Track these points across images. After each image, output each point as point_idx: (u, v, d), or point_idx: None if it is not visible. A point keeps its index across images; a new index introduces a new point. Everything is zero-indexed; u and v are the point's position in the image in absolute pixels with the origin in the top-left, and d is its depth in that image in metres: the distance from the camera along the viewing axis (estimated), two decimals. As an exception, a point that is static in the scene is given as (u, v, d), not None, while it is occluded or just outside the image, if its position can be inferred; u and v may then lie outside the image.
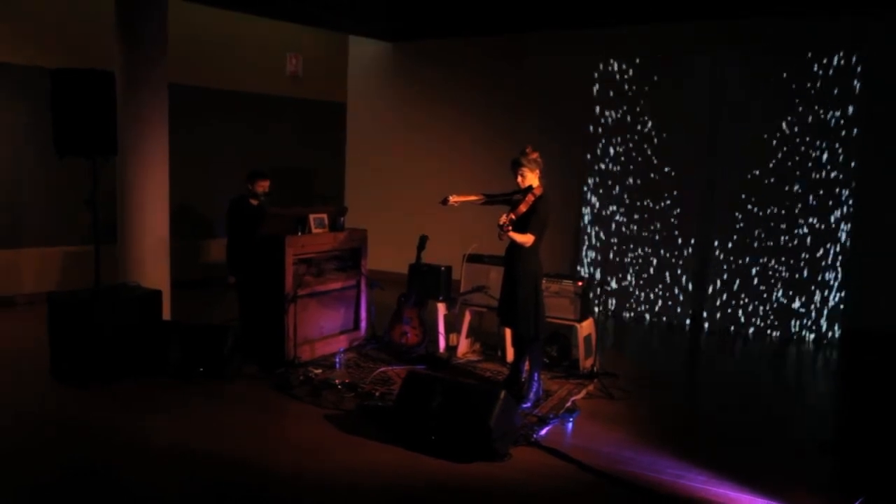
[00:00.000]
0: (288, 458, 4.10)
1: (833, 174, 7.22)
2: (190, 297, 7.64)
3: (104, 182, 5.77)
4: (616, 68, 8.25)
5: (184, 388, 5.21)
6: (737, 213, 7.64)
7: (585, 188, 8.43)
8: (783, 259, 7.46)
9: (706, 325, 7.77)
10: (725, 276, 7.73)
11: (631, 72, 8.16)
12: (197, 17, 8.52)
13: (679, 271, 7.97)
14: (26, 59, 7.51)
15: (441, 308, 6.24)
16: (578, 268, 8.43)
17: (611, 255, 8.34)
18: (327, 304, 6.15)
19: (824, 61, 7.22)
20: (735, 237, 7.67)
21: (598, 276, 8.33)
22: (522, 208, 4.74)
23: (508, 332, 5.83)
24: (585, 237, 8.48)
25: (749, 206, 7.58)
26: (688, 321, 7.91)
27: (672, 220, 7.99)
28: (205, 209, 9.04)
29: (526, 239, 4.68)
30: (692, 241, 7.91)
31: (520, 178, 4.85)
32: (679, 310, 7.98)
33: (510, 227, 4.61)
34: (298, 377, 5.35)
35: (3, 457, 4.07)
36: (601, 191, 8.37)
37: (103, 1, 6.65)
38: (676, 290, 7.99)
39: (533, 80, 9.08)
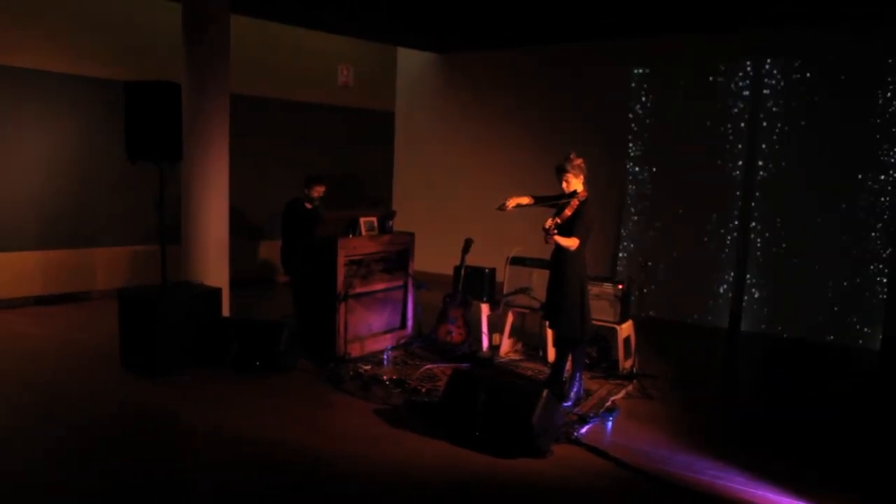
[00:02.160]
0: (341, 448, 4.14)
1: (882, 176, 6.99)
2: (246, 294, 7.79)
3: (170, 186, 5.93)
4: (655, 76, 8.14)
5: (242, 381, 5.31)
6: (778, 218, 7.45)
7: (625, 192, 8.32)
8: (825, 263, 7.24)
9: (745, 326, 7.59)
10: (765, 279, 7.55)
11: (671, 79, 8.04)
12: (256, 31, 8.69)
13: (719, 273, 7.81)
14: (103, 73, 7.77)
15: (485, 308, 6.23)
16: (620, 270, 8.33)
17: (650, 258, 8.21)
18: (376, 304, 6.20)
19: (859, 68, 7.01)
20: (775, 240, 7.49)
21: (636, 278, 8.20)
22: (567, 213, 4.70)
23: (550, 332, 5.80)
24: (624, 240, 8.38)
25: (790, 210, 7.38)
26: (727, 323, 7.74)
27: (711, 222, 7.84)
28: (260, 212, 9.20)
29: (571, 243, 4.64)
30: (730, 242, 7.74)
31: (564, 184, 4.82)
32: (718, 312, 7.81)
33: (556, 231, 4.58)
34: (349, 372, 5.41)
35: (79, 442, 4.19)
36: (635, 187, 8.25)
37: (171, 19, 6.84)
38: (715, 292, 7.84)
39: (574, 89, 9.02)
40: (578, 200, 4.73)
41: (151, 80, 5.64)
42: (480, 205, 9.73)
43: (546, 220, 4.61)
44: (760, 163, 7.55)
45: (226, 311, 6.36)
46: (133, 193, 7.94)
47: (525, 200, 4.97)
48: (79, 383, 5.17)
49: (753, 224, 7.61)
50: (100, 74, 7.75)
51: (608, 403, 5.02)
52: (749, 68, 7.57)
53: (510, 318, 6.13)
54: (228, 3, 6.41)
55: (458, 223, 9.51)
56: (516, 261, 6.11)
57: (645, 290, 8.14)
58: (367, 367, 5.57)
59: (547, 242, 4.65)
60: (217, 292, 5.85)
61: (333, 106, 10.07)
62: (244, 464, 3.94)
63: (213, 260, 6.41)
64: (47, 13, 7.38)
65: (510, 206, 4.94)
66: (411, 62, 10.63)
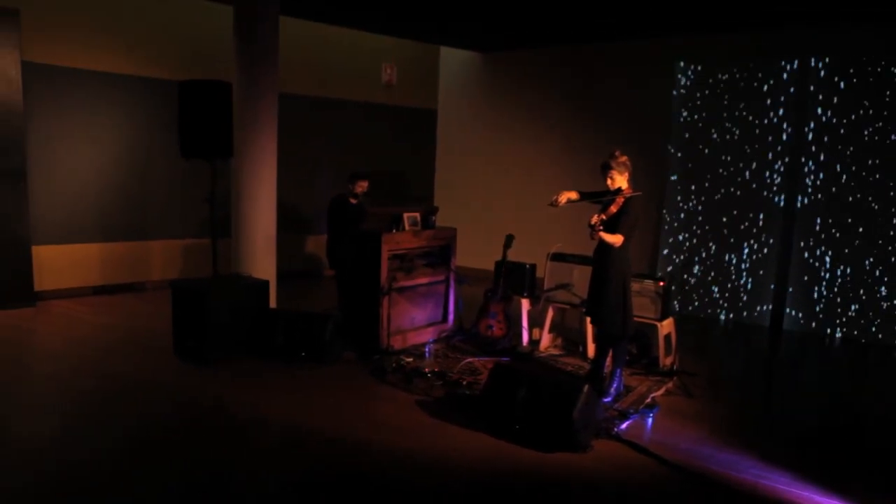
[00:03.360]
0: (384, 438, 4.15)
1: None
2: (291, 287, 7.88)
3: (221, 182, 6.02)
4: (699, 74, 7.95)
5: (288, 370, 5.37)
6: (818, 217, 7.22)
7: (666, 188, 8.16)
8: (871, 261, 6.99)
9: (787, 325, 7.38)
10: (807, 277, 7.32)
11: (714, 76, 7.84)
12: (303, 32, 8.77)
13: (761, 271, 7.61)
14: (158, 73, 7.93)
15: (525, 304, 6.18)
16: (668, 269, 8.18)
17: (691, 255, 8.05)
18: (418, 297, 6.20)
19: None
20: (819, 238, 7.26)
21: (677, 275, 8.06)
22: (613, 209, 4.62)
23: (590, 328, 5.73)
24: (665, 237, 8.22)
25: (835, 207, 7.14)
26: (769, 321, 7.54)
27: (754, 218, 7.64)
28: (307, 207, 9.30)
29: (616, 239, 4.56)
30: (772, 241, 7.53)
31: (609, 181, 4.74)
32: (760, 309, 7.62)
33: (601, 228, 4.51)
34: (391, 364, 5.42)
35: (130, 425, 4.29)
36: (676, 183, 8.09)
37: (223, 20, 6.94)
38: (757, 290, 7.64)
39: (615, 87, 8.88)
40: (624, 197, 4.65)
41: (204, 80, 5.73)
42: (521, 201, 9.68)
43: (591, 217, 4.54)
44: (804, 159, 7.31)
45: (273, 303, 6.44)
46: (186, 189, 8.11)
47: (574, 196, 4.90)
48: (135, 369, 5.29)
49: (796, 222, 7.38)
50: (155, 75, 7.92)
51: (648, 400, 4.93)
52: (795, 66, 7.34)
53: (550, 314, 6.07)
54: (278, 5, 6.48)
55: (499, 219, 9.48)
56: (557, 257, 6.05)
57: (686, 287, 8.02)
58: (410, 360, 5.58)
59: (592, 238, 4.58)
60: (265, 284, 5.92)
61: (377, 104, 10.11)
62: (288, 451, 3.99)
63: (261, 253, 6.49)
64: (108, 19, 7.57)
65: (562, 202, 4.85)
66: (453, 61, 10.61)
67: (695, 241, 8.02)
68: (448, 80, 10.75)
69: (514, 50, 9.82)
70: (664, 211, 8.19)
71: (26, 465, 3.69)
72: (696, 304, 8.00)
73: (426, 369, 5.31)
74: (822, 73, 7.16)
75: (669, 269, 8.13)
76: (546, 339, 6.13)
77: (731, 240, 7.78)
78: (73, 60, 7.38)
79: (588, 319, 5.57)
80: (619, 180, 4.73)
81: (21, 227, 6.99)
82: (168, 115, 7.48)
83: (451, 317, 6.54)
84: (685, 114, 8.06)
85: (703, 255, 7.96)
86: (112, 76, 7.66)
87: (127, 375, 5.14)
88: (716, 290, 7.88)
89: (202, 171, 6.49)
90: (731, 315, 7.78)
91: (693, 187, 8.03)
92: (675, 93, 8.11)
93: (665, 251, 8.22)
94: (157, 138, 7.97)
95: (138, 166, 7.97)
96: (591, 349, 5.79)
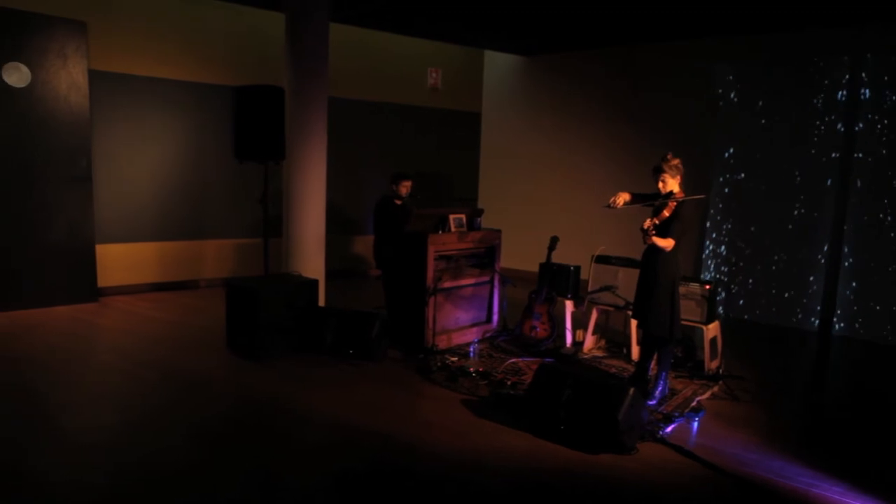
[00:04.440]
0: (429, 436, 4.16)
1: None
2: (338, 286, 7.97)
3: (273, 184, 6.14)
4: (746, 74, 7.76)
5: (337, 367, 5.43)
6: (867, 217, 6.96)
7: (712, 191, 7.99)
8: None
9: (837, 330, 7.14)
10: (855, 283, 7.07)
11: (762, 77, 7.64)
12: (352, 38, 8.87)
13: (810, 276, 7.38)
14: (213, 79, 8.13)
15: (569, 305, 6.13)
16: (715, 272, 8.01)
17: (738, 258, 7.86)
18: (463, 298, 6.21)
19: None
20: (870, 241, 7.00)
21: (723, 278, 7.87)
22: (666, 213, 4.53)
23: (634, 330, 5.64)
24: (711, 241, 8.05)
25: (888, 208, 6.88)
26: (817, 325, 7.31)
27: (803, 221, 7.42)
28: (353, 208, 9.40)
29: (667, 244, 4.48)
30: (821, 245, 7.30)
31: (661, 184, 4.65)
32: (809, 314, 7.39)
33: (654, 232, 4.44)
34: (436, 363, 5.43)
35: (186, 416, 4.40)
36: (725, 187, 7.91)
37: (275, 27, 7.07)
38: (807, 294, 7.41)
39: (662, 88, 8.73)
40: (676, 201, 4.56)
41: (258, 85, 5.86)
42: (566, 203, 9.61)
43: (644, 221, 4.46)
44: (858, 155, 7.05)
45: (322, 302, 6.53)
46: (239, 191, 8.28)
47: (628, 197, 4.82)
48: (191, 364, 5.43)
49: (846, 226, 7.14)
50: (212, 81, 8.12)
51: (693, 403, 4.83)
52: (847, 63, 7.09)
53: (594, 316, 6.00)
54: (328, 12, 6.57)
55: (543, 221, 9.42)
56: (601, 259, 5.98)
57: (733, 291, 7.83)
58: (454, 359, 5.59)
59: (645, 243, 4.50)
60: (314, 283, 6.00)
61: (422, 107, 10.16)
62: (335, 446, 4.03)
63: (310, 253, 6.59)
64: (167, 29, 7.79)
65: (619, 203, 4.75)
66: (498, 64, 10.59)
67: (741, 244, 7.83)
68: (492, 83, 10.74)
69: (557, 53, 9.75)
70: (710, 212, 8.01)
71: (93, 456, 3.81)
72: (743, 307, 7.81)
73: (471, 369, 5.30)
74: (873, 71, 6.91)
75: (712, 272, 7.95)
76: (590, 341, 6.07)
77: (779, 243, 7.57)
78: (135, 68, 7.62)
79: (633, 322, 5.50)
80: (671, 184, 4.64)
81: (86, 227, 7.25)
82: (223, 120, 7.68)
83: (495, 317, 6.53)
84: (731, 115, 7.87)
85: (751, 258, 7.76)
86: (171, 83, 7.88)
87: (184, 370, 5.27)
88: (763, 293, 7.67)
89: (255, 173, 6.65)
90: (779, 319, 7.56)
91: (740, 189, 7.84)
92: (720, 93, 7.93)
93: (710, 253, 8.04)
94: (212, 142, 8.16)
95: (195, 169, 8.18)
96: (635, 351, 5.70)
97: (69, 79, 6.99)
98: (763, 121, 7.65)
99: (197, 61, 8.04)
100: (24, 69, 6.73)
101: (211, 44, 8.11)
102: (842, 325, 7.17)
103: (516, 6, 7.19)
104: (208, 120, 8.14)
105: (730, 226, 7.91)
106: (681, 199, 4.58)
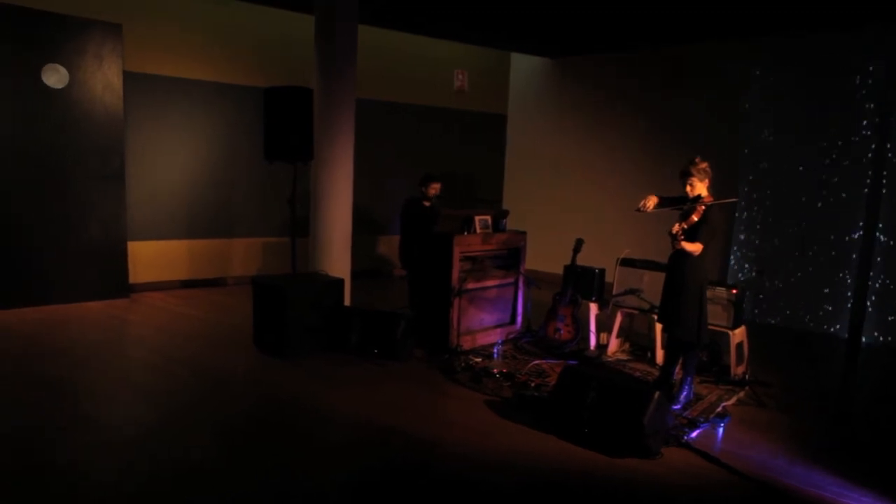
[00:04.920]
0: (452, 436, 4.18)
1: None
2: (363, 285, 8.01)
3: (301, 184, 6.19)
4: (775, 76, 7.65)
5: (362, 366, 5.47)
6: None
7: (740, 194, 7.89)
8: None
9: (866, 337, 7.01)
10: (890, 287, 6.92)
11: (792, 79, 7.53)
12: (380, 39, 8.92)
13: (840, 280, 7.25)
14: (243, 80, 8.24)
15: (593, 308, 6.10)
16: (740, 276, 7.91)
17: (766, 262, 7.75)
18: (488, 299, 6.21)
19: None
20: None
21: (751, 283, 7.77)
22: (694, 218, 4.47)
23: (659, 333, 5.60)
24: (738, 244, 7.95)
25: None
26: (846, 331, 7.18)
27: (833, 226, 7.29)
28: (378, 208, 9.45)
29: (696, 248, 4.43)
30: (851, 250, 7.16)
31: (689, 188, 4.60)
32: (838, 320, 7.26)
33: (683, 238, 4.39)
34: (460, 364, 5.45)
35: (213, 413, 4.47)
36: (752, 191, 7.80)
37: (305, 29, 7.14)
38: (836, 300, 7.28)
39: (689, 90, 8.65)
40: (704, 205, 4.51)
41: (287, 86, 5.90)
42: (591, 206, 9.56)
43: (673, 225, 4.41)
44: (886, 169, 6.91)
45: (347, 301, 6.57)
46: (267, 190, 8.38)
47: (657, 200, 4.78)
48: (219, 360, 5.51)
49: (877, 232, 6.99)
50: (242, 82, 8.22)
51: (719, 409, 4.78)
52: (881, 66, 6.96)
53: (619, 319, 5.97)
54: (356, 14, 6.61)
55: (568, 223, 9.38)
56: (626, 262, 5.94)
57: (760, 296, 7.72)
58: (478, 360, 5.59)
59: (675, 248, 4.46)
60: (340, 283, 6.04)
61: (449, 109, 10.18)
62: (359, 445, 4.06)
63: (337, 252, 6.63)
64: (199, 31, 7.92)
65: (650, 207, 4.71)
66: (524, 66, 10.57)
67: (770, 248, 7.72)
68: (518, 85, 10.72)
69: (584, 55, 9.71)
70: (737, 216, 7.91)
71: (120, 451, 3.89)
72: (770, 312, 7.70)
73: (494, 370, 5.31)
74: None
75: (740, 275, 7.85)
76: (614, 344, 6.03)
77: (809, 247, 7.45)
78: (167, 69, 7.75)
79: (658, 325, 5.46)
80: (700, 187, 4.59)
81: (119, 224, 7.39)
82: (253, 120, 7.77)
83: (519, 319, 6.52)
84: (760, 118, 7.76)
85: (779, 262, 7.65)
86: (202, 83, 8.00)
87: (212, 367, 5.35)
88: (791, 298, 7.56)
89: (284, 173, 6.70)
90: (807, 325, 7.44)
91: (768, 192, 7.73)
92: (748, 95, 7.83)
93: (738, 258, 7.94)
94: (242, 142, 8.27)
95: (224, 169, 8.29)
96: (659, 355, 5.66)
97: (104, 80, 7.14)
98: (791, 124, 7.53)
99: (227, 63, 8.16)
100: (63, 70, 6.89)
101: (241, 45, 8.22)
102: (871, 331, 7.03)
103: (543, 10, 7.17)
104: (238, 120, 8.24)
105: (758, 229, 7.79)
106: (710, 203, 4.52)
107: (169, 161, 7.90)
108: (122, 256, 7.46)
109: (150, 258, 7.88)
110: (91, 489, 3.39)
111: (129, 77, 7.35)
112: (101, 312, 6.85)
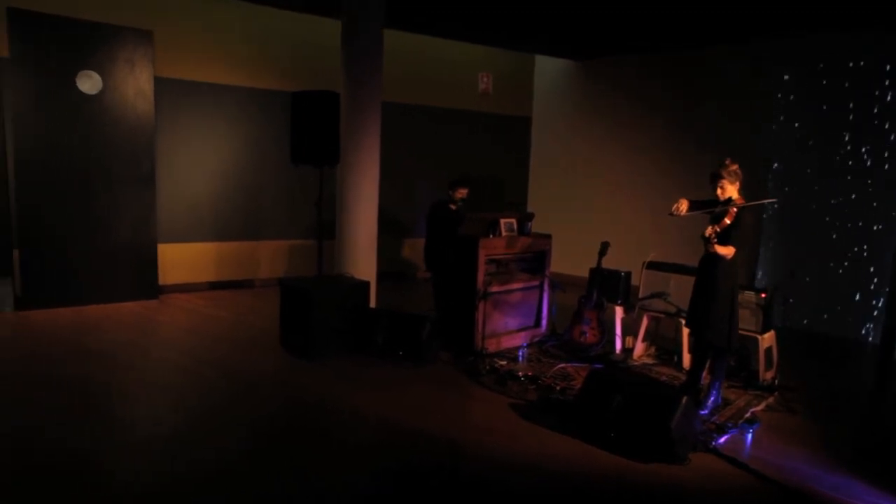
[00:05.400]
0: (477, 438, 4.18)
1: None
2: (388, 288, 8.05)
3: (327, 187, 6.25)
4: (804, 77, 7.53)
5: (387, 368, 5.50)
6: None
7: (768, 196, 7.77)
8: None
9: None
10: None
11: (821, 79, 7.40)
12: (405, 43, 8.96)
13: (872, 284, 7.11)
14: (270, 85, 8.34)
15: (619, 311, 6.06)
16: (765, 280, 7.80)
17: (794, 265, 7.62)
18: (513, 302, 6.21)
19: None
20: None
21: (780, 287, 7.65)
22: (727, 220, 4.41)
23: (686, 337, 5.54)
24: (767, 247, 7.83)
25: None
26: (878, 338, 7.02)
27: (865, 228, 7.15)
28: (403, 211, 9.49)
29: (728, 251, 4.38)
30: (883, 253, 7.01)
31: (719, 191, 4.53)
32: (871, 325, 7.11)
33: (716, 240, 4.34)
34: (485, 366, 5.45)
35: (240, 415, 4.52)
36: (783, 196, 7.68)
37: (332, 33, 7.20)
38: (868, 304, 7.13)
39: (714, 92, 8.56)
40: (737, 208, 4.45)
41: (314, 91, 5.98)
42: (617, 209, 9.50)
43: (706, 228, 4.36)
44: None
45: (373, 303, 6.61)
46: (294, 194, 8.47)
47: (688, 204, 4.71)
48: (247, 361, 5.58)
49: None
50: (269, 86, 8.32)
51: (748, 415, 4.71)
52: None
53: (645, 322, 5.92)
54: (382, 18, 6.65)
55: (594, 226, 9.33)
56: (653, 265, 5.89)
57: (791, 300, 7.60)
58: (503, 363, 5.59)
59: (709, 251, 4.41)
60: (366, 285, 6.08)
61: (473, 112, 10.19)
62: (385, 446, 4.08)
63: (363, 255, 6.67)
64: (227, 36, 8.03)
65: (683, 211, 4.60)
66: (548, 69, 10.55)
67: (799, 250, 7.59)
68: (543, 87, 10.70)
69: (608, 57, 9.66)
70: (765, 218, 7.80)
71: (148, 450, 3.96)
72: (802, 317, 7.57)
73: (519, 372, 5.30)
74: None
75: (769, 279, 7.74)
76: (640, 348, 5.98)
77: (840, 250, 7.31)
78: (196, 75, 7.88)
79: (685, 329, 5.40)
80: (730, 190, 4.53)
81: (149, 227, 7.53)
82: (280, 125, 7.87)
83: (544, 322, 6.50)
84: (788, 120, 7.65)
85: (808, 265, 7.52)
86: (230, 88, 8.12)
87: (240, 368, 5.42)
88: (821, 302, 7.43)
89: (310, 177, 6.78)
90: (838, 330, 7.31)
91: (797, 195, 7.61)
92: (779, 98, 7.72)
93: (766, 260, 7.83)
94: (270, 146, 8.37)
95: (252, 172, 8.40)
96: (686, 359, 5.60)
97: (136, 85, 7.28)
98: (821, 125, 7.41)
99: (255, 68, 8.27)
100: (96, 77, 7.04)
101: (269, 50, 8.33)
102: (905, 337, 6.87)
103: (568, 11, 7.15)
104: (266, 124, 8.35)
105: (787, 231, 7.67)
106: (743, 205, 4.46)
107: (197, 164, 8.03)
108: (153, 258, 7.59)
109: (178, 260, 8.01)
110: (119, 488, 3.45)
111: (159, 82, 7.49)
112: (133, 313, 6.97)
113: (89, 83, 7.00)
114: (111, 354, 5.58)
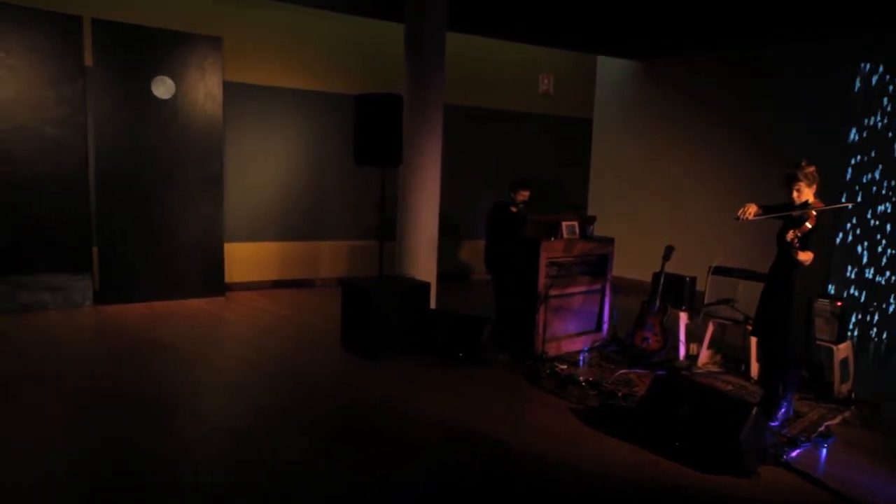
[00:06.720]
0: (538, 442, 4.15)
1: None
2: (447, 289, 8.07)
3: (389, 188, 6.31)
4: (884, 74, 7.17)
5: (447, 369, 5.51)
6: None
7: (844, 200, 7.44)
8: None
9: None
10: None
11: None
12: (467, 45, 8.98)
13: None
14: (334, 88, 8.50)
15: (683, 317, 5.91)
16: (843, 291, 7.48)
17: (874, 273, 7.28)
18: (574, 306, 6.13)
19: None
20: None
21: (858, 295, 7.31)
22: (808, 224, 4.21)
23: (754, 346, 5.35)
24: (843, 253, 7.49)
25: None
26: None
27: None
28: (462, 213, 9.50)
29: (808, 257, 4.17)
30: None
31: (795, 193, 4.34)
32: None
33: (798, 244, 4.14)
34: (545, 370, 5.40)
35: (302, 415, 4.61)
36: (862, 200, 7.34)
37: (395, 37, 7.29)
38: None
39: (785, 92, 8.25)
40: (815, 212, 4.27)
41: (378, 93, 6.04)
42: (680, 212, 9.27)
43: (787, 232, 4.17)
44: None
45: (432, 304, 6.64)
46: (356, 195, 8.60)
47: (757, 209, 4.48)
48: (309, 360, 5.70)
49: None
50: (333, 89, 8.49)
51: (822, 428, 4.51)
52: None
53: (710, 329, 5.75)
54: (445, 21, 6.69)
55: (657, 230, 9.14)
56: (719, 270, 5.72)
57: (870, 309, 7.25)
58: (564, 367, 5.53)
59: (792, 256, 4.18)
60: (426, 286, 6.12)
61: (534, 113, 10.13)
62: (443, 446, 4.09)
63: (423, 256, 6.71)
64: (292, 41, 8.24)
65: (750, 216, 4.41)
66: (610, 69, 10.39)
67: (879, 257, 7.23)
68: (604, 88, 10.55)
69: (671, 57, 9.44)
70: (842, 223, 7.47)
71: (210, 446, 4.08)
72: (879, 327, 7.21)
73: (580, 377, 5.23)
74: None
75: (844, 288, 7.40)
76: (704, 356, 5.82)
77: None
78: (263, 79, 8.10)
79: (753, 338, 5.22)
80: (807, 193, 4.34)
81: (216, 226, 7.78)
82: (344, 127, 8.01)
83: (605, 327, 6.40)
84: (866, 121, 7.30)
85: (888, 273, 7.16)
86: (296, 92, 8.32)
87: (302, 366, 5.53)
88: (901, 313, 7.06)
89: (371, 178, 6.86)
90: (919, 342, 6.94)
91: (880, 200, 7.25)
92: (856, 97, 7.37)
93: (844, 269, 7.49)
94: (333, 148, 8.53)
95: (316, 173, 8.58)
96: (754, 368, 5.42)
97: (206, 90, 7.54)
98: (905, 126, 7.05)
99: (320, 71, 8.44)
100: (170, 82, 7.33)
101: (333, 54, 8.49)
102: None
103: (632, 11, 7.03)
104: (330, 127, 8.51)
105: (865, 236, 7.33)
106: (822, 209, 4.26)
107: (263, 166, 8.25)
108: (220, 256, 7.84)
109: (243, 259, 8.24)
110: (185, 480, 3.55)
111: (228, 86, 7.74)
112: (201, 310, 7.22)
113: (163, 88, 7.30)
114: (182, 349, 5.79)
